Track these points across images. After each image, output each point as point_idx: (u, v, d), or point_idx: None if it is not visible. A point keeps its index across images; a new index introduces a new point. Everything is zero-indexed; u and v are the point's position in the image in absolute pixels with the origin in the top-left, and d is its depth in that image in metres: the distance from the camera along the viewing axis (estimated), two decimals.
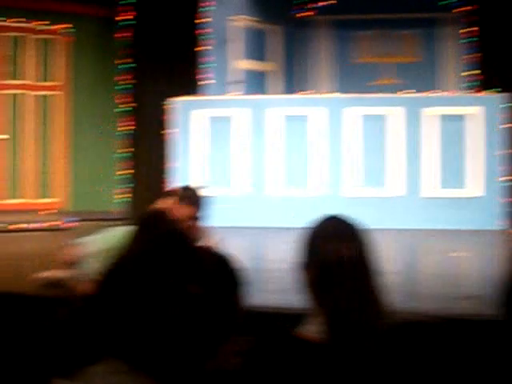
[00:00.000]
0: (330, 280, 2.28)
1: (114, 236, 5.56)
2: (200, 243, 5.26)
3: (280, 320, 5.02)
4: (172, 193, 5.56)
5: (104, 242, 5.56)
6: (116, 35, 11.96)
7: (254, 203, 10.47)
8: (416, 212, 10.16)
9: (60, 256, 5.80)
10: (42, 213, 11.44)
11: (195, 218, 5.24)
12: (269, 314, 5.09)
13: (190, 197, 5.27)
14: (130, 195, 11.80)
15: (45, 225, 10.47)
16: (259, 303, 5.17)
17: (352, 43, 12.49)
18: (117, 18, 11.81)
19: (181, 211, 5.16)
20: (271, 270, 7.27)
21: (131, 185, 11.82)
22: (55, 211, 11.70)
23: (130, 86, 11.88)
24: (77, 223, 10.58)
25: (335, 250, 2.31)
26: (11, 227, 10.33)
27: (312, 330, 2.24)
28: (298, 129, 10.50)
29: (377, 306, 2.29)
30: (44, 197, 12.03)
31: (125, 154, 12.01)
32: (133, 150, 11.85)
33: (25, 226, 10.39)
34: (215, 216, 9.96)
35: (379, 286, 2.33)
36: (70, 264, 5.67)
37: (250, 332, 2.10)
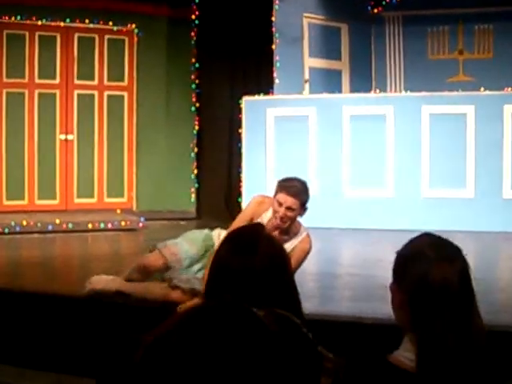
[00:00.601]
0: (427, 304, 2.07)
1: (204, 241, 5.51)
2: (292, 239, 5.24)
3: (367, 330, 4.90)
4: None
5: (196, 248, 5.48)
6: (183, 35, 12.01)
7: (329, 203, 10.38)
8: (497, 213, 9.95)
9: (140, 262, 5.53)
10: (118, 212, 11.54)
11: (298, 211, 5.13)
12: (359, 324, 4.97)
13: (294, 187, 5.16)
14: (199, 195, 11.83)
15: (122, 224, 10.55)
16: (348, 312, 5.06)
17: (423, 39, 12.32)
18: (184, 18, 11.87)
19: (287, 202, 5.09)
20: (348, 274, 7.16)
21: (200, 184, 11.83)
22: (128, 210, 11.77)
23: (198, 85, 11.92)
24: (146, 223, 10.62)
25: (435, 271, 2.10)
26: (90, 227, 10.42)
27: (407, 356, 2.09)
28: (371, 128, 10.39)
29: (477, 335, 2.08)
30: (111, 196, 12.10)
31: (193, 153, 12.03)
32: (202, 149, 11.86)
33: (101, 225, 10.47)
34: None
35: (478, 311, 2.13)
36: (153, 271, 5.47)
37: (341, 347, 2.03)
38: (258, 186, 10.64)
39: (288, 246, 5.18)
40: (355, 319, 4.97)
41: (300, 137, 10.66)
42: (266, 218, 5.24)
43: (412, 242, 2.23)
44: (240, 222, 5.18)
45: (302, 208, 5.11)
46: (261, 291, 2.08)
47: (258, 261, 2.27)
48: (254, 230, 2.48)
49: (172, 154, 12.23)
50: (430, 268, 2.10)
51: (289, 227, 5.19)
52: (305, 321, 2.22)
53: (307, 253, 5.28)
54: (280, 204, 5.05)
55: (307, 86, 11.63)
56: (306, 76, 11.67)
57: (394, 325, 2.19)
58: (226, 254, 2.34)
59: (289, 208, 5.05)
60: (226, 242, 2.47)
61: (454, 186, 10.09)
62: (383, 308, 4.70)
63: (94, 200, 12.01)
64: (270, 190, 10.46)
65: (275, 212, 5.07)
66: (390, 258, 2.22)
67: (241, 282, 2.14)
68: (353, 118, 10.46)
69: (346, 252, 9.30)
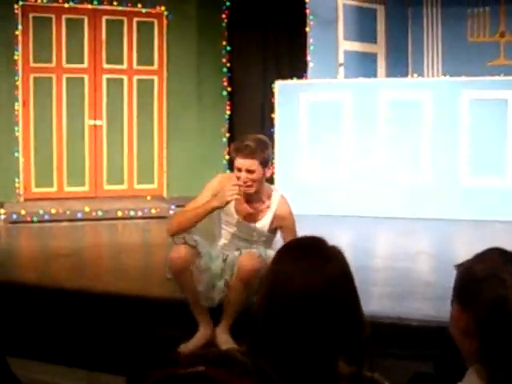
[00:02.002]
0: (502, 333, 1.89)
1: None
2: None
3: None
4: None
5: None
6: (214, 17, 11.93)
7: (368, 192, 10.27)
8: None
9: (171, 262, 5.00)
10: (149, 199, 11.54)
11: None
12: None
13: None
14: None
15: (152, 212, 10.58)
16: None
17: (463, 21, 12.09)
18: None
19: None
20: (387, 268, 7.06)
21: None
22: (158, 197, 11.77)
23: (230, 68, 11.85)
24: (176, 210, 10.59)
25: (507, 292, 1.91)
26: (119, 215, 10.44)
27: None
28: (407, 114, 10.25)
29: None
30: (141, 183, 12.08)
31: (225, 139, 11.97)
32: (233, 134, 11.80)
33: (131, 213, 10.50)
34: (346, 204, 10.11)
35: None
36: (181, 266, 4.93)
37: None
38: (289, 172, 10.62)
39: (269, 215, 5.10)
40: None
41: (334, 122, 10.55)
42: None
43: (481, 258, 2.03)
44: (203, 198, 5.02)
45: (264, 166, 4.89)
46: (327, 314, 1.90)
47: (325, 277, 1.96)
48: (317, 240, 2.16)
49: (203, 140, 12.16)
50: (507, 293, 1.91)
51: (259, 192, 5.02)
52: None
53: (292, 214, 5.14)
54: (239, 169, 4.87)
55: (342, 69, 11.49)
56: (341, 59, 11.52)
57: (441, 327, 2.09)
58: (286, 271, 1.99)
59: (248, 171, 4.83)
60: (284, 255, 2.13)
61: (494, 174, 9.94)
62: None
63: (123, 187, 11.99)
64: (302, 174, 10.57)
65: (238, 179, 4.85)
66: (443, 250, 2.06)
67: (302, 304, 1.91)
68: (389, 104, 10.33)
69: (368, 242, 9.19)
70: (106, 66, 11.90)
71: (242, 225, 5.16)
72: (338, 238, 8.14)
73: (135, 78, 12.07)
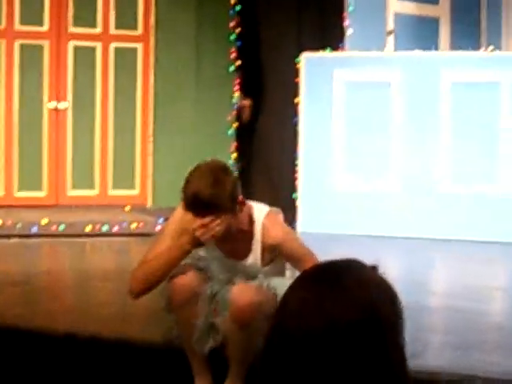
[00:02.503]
0: None
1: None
2: None
3: None
4: None
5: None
6: None
7: (418, 202, 10.32)
8: None
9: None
10: (128, 209, 11.58)
11: None
12: None
13: None
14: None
15: (132, 227, 10.65)
16: None
17: None
18: None
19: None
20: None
21: (241, 172, 11.75)
22: (140, 207, 11.75)
23: (239, 35, 11.84)
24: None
25: None
26: (88, 230, 10.45)
27: None
28: (479, 99, 10.31)
29: None
30: (118, 187, 12.09)
31: (232, 130, 11.96)
32: (245, 124, 11.79)
33: (104, 228, 10.55)
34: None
35: None
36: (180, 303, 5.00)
37: None
38: (318, 178, 10.72)
39: (256, 248, 5.05)
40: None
41: (380, 110, 10.61)
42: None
43: None
44: (162, 243, 4.99)
45: (230, 210, 4.80)
46: (356, 361, 1.86)
47: (357, 310, 1.90)
48: (349, 263, 2.06)
49: (202, 131, 12.13)
50: None
51: (235, 225, 4.90)
52: None
53: (288, 234, 5.13)
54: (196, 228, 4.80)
55: (391, 39, 11.51)
56: (390, 25, 11.55)
57: None
58: (302, 302, 1.94)
59: (207, 226, 4.77)
60: (300, 282, 2.04)
61: None
62: None
63: (94, 192, 11.97)
64: (336, 182, 10.51)
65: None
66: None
67: (321, 348, 1.87)
68: (455, 86, 10.38)
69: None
70: (72, 29, 11.88)
71: (228, 263, 5.17)
72: (382, 267, 8.14)
73: (112, 45, 12.06)
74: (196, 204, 4.72)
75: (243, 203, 4.91)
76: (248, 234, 5.05)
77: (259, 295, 4.82)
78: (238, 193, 4.85)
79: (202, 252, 5.07)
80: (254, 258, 5.12)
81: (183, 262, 4.91)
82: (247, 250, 5.11)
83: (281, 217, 5.26)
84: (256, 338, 4.66)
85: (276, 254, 5.12)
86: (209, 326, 5.06)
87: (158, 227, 10.52)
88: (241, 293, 4.86)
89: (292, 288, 1.99)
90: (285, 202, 10.85)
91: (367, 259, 2.01)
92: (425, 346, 5.47)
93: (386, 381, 1.88)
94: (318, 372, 1.87)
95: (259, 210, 5.10)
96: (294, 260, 4.98)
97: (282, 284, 4.68)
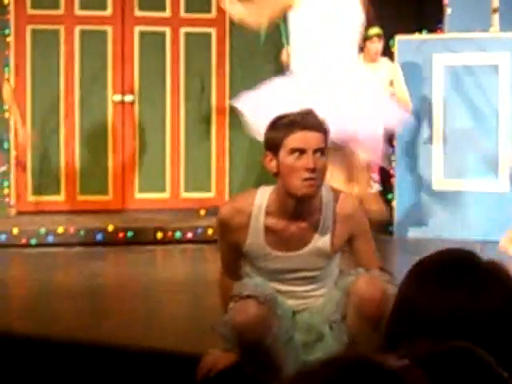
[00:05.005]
0: None
1: None
2: None
3: None
4: None
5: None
6: None
7: None
8: None
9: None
10: (202, 213, 11.58)
11: None
12: None
13: None
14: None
15: (209, 233, 10.60)
16: None
17: None
18: None
19: None
20: None
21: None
22: (216, 212, 11.63)
23: None
24: None
25: None
26: (159, 237, 10.49)
27: None
28: None
29: None
30: (191, 189, 12.06)
31: None
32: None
33: (177, 235, 10.61)
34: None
35: None
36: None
37: None
38: (416, 175, 10.75)
39: (326, 223, 4.90)
40: None
41: (486, 99, 10.52)
42: (259, 222, 4.92)
43: None
44: (225, 259, 5.21)
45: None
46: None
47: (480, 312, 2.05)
48: (464, 255, 2.21)
49: None
50: None
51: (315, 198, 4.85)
52: None
53: (359, 210, 5.13)
54: (302, 151, 4.69)
55: (497, 17, 11.14)
56: (496, 2, 11.16)
57: None
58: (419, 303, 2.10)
59: (317, 150, 4.72)
60: (414, 282, 2.20)
61: None
62: None
63: (165, 195, 11.98)
64: (437, 180, 10.29)
65: (294, 173, 4.69)
66: None
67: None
68: None
69: None
70: (138, 13, 11.91)
71: (286, 262, 5.02)
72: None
73: (182, 30, 12.03)
74: (312, 122, 4.77)
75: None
76: (314, 210, 4.91)
77: (387, 285, 4.78)
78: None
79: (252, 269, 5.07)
80: (323, 240, 4.93)
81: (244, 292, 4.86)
82: (310, 233, 4.93)
83: None
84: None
85: (346, 240, 5.00)
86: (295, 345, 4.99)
87: None
88: (368, 285, 4.80)
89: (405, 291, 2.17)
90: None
91: None
92: None
93: None
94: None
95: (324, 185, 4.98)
96: (364, 245, 4.99)
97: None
